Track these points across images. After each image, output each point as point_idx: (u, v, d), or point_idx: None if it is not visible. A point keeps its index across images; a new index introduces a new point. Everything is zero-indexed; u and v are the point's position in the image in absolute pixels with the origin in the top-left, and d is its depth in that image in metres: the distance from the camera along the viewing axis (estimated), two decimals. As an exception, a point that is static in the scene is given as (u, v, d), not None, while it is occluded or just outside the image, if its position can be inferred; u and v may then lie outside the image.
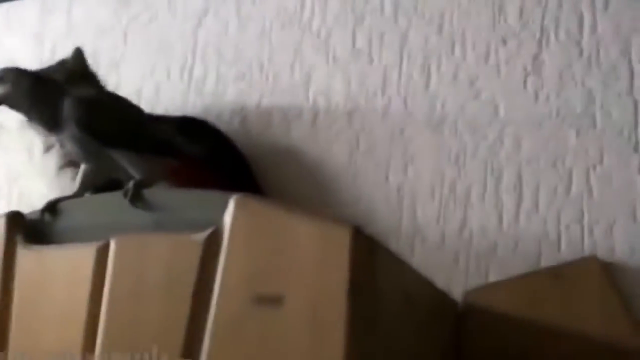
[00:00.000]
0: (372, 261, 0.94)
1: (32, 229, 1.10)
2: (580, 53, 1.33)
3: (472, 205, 1.32)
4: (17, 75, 1.16)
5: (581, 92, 1.31)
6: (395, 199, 1.37)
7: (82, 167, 1.19)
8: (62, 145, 1.25)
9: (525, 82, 1.35)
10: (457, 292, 1.26)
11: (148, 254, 0.99)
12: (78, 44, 1.64)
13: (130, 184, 1.07)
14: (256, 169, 1.44)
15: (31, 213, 1.12)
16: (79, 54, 1.45)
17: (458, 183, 1.34)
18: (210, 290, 0.94)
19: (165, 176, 1.15)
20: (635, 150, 1.26)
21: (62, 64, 1.46)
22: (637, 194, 1.24)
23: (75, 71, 1.45)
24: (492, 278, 1.27)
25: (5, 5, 1.76)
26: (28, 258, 1.07)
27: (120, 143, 1.15)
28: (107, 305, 0.98)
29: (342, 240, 0.92)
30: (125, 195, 1.07)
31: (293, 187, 1.43)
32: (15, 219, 1.11)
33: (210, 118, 1.51)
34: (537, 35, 1.37)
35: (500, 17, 1.40)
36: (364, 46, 1.47)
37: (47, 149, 1.45)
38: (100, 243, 1.02)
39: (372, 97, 1.44)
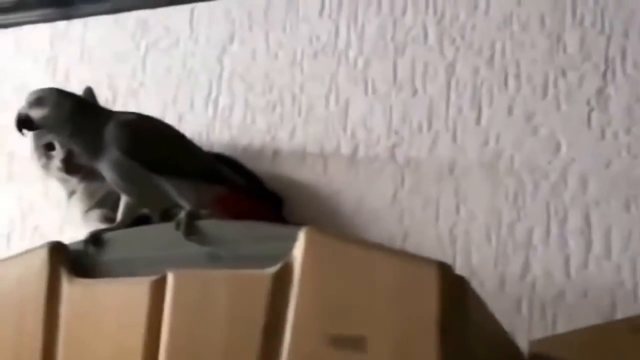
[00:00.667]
0: (462, 302, 0.83)
1: (76, 261, 0.98)
2: (653, 85, 1.23)
3: (534, 249, 1.20)
4: (58, 97, 1.04)
5: (654, 129, 1.21)
6: (447, 240, 1.24)
7: (123, 198, 1.06)
8: (98, 176, 1.13)
9: (589, 118, 1.24)
10: (519, 341, 1.12)
11: (211, 290, 0.88)
12: (93, 69, 1.53)
13: (182, 214, 0.95)
14: (289, 208, 1.32)
15: (73, 244, 1.01)
16: (89, 93, 1.33)
17: (517, 225, 1.22)
18: (281, 330, 0.83)
19: (214, 204, 1.03)
20: None
21: None
22: None
23: None
24: (560, 329, 1.14)
25: (15, 28, 1.63)
26: (74, 291, 0.96)
27: (167, 169, 1.03)
28: (166, 345, 0.86)
29: (429, 278, 0.81)
30: (177, 227, 0.95)
31: (330, 229, 1.30)
32: (58, 250, 0.99)
33: (238, 151, 1.39)
34: (601, 67, 1.26)
35: (558, 47, 1.29)
36: (406, 77, 1.36)
37: (70, 194, 1.33)
38: (154, 277, 0.91)
39: (417, 131, 1.32)
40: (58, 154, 1.30)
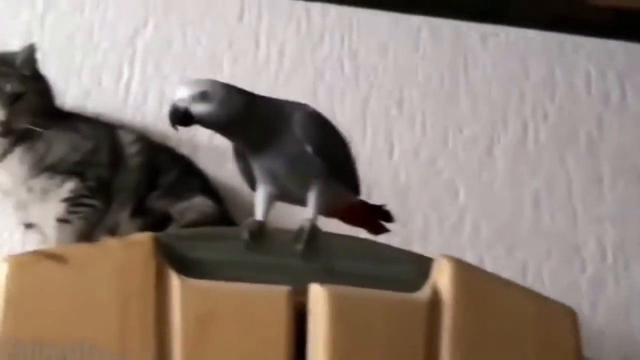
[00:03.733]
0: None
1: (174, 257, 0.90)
2: (527, 156, 1.50)
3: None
4: (227, 93, 0.94)
5: (529, 193, 1.48)
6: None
7: (263, 190, 0.99)
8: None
9: (480, 171, 1.48)
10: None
11: (370, 311, 0.89)
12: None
13: (306, 226, 0.94)
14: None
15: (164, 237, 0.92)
16: (31, 51, 1.24)
17: (426, 257, 1.41)
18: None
19: (338, 212, 1.04)
20: (577, 252, 1.45)
21: (11, 58, 1.23)
22: (582, 295, 1.43)
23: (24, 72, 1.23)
24: None
25: None
26: (188, 292, 0.88)
27: (339, 173, 1.00)
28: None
29: (567, 319, 0.96)
30: (297, 238, 0.93)
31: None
32: (158, 243, 0.89)
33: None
34: (489, 130, 1.50)
35: (453, 103, 1.50)
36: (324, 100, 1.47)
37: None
38: (289, 288, 0.89)
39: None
40: None
